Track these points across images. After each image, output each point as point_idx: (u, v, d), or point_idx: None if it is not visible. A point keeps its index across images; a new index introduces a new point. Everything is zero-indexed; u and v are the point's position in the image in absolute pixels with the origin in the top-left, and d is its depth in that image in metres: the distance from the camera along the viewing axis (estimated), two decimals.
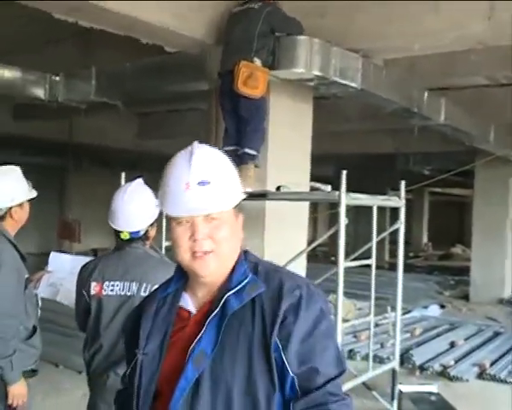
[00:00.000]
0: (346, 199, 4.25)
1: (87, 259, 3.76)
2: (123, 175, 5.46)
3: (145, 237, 3.35)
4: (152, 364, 1.72)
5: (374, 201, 4.71)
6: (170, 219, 1.71)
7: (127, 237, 3.30)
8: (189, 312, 1.74)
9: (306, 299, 1.64)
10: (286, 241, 6.34)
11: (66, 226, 14.61)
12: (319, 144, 7.07)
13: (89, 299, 3.28)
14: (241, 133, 5.35)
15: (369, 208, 5.38)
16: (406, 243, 5.38)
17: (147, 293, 3.13)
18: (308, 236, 6.97)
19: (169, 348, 1.72)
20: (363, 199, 4.62)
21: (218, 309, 1.65)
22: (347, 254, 4.91)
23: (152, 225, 3.38)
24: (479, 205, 13.62)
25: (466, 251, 20.48)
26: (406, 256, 5.29)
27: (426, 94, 7.21)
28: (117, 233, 3.33)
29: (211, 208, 1.66)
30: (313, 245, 4.81)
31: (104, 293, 3.26)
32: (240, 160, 5.29)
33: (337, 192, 4.28)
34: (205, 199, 1.65)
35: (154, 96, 7.88)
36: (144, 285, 3.21)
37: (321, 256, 18.13)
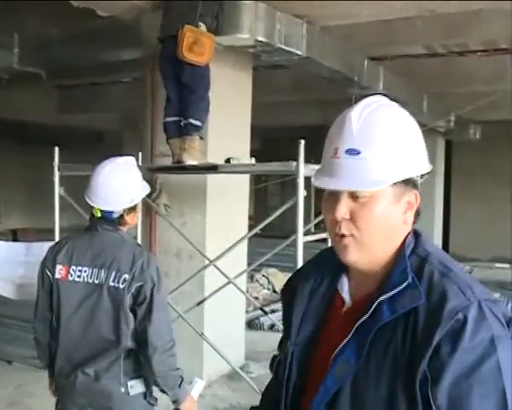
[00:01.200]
0: (305, 170, 4.04)
1: (21, 246, 3.40)
2: (56, 150, 5.08)
3: (120, 221, 2.98)
4: (302, 354, 1.52)
5: None
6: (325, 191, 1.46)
7: (98, 214, 2.95)
8: (344, 301, 1.50)
9: (472, 326, 1.29)
10: (228, 215, 6.15)
11: None
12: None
13: (53, 282, 2.94)
14: (184, 103, 5.04)
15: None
16: None
17: (116, 284, 2.85)
18: (257, 207, 6.79)
19: (321, 338, 1.51)
20: None
21: (367, 315, 1.38)
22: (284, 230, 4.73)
23: (130, 210, 3.00)
24: None
25: None
26: None
27: (366, 62, 7.12)
28: (91, 211, 3.01)
29: (354, 184, 1.37)
30: (265, 222, 4.55)
31: (70, 278, 2.92)
32: (183, 131, 5.02)
33: (294, 163, 4.07)
34: (349, 171, 1.36)
35: (83, 64, 7.41)
36: (113, 274, 2.86)
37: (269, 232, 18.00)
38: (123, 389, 2.88)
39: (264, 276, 10.93)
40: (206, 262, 5.39)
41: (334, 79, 7.04)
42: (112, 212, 2.95)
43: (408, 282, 1.36)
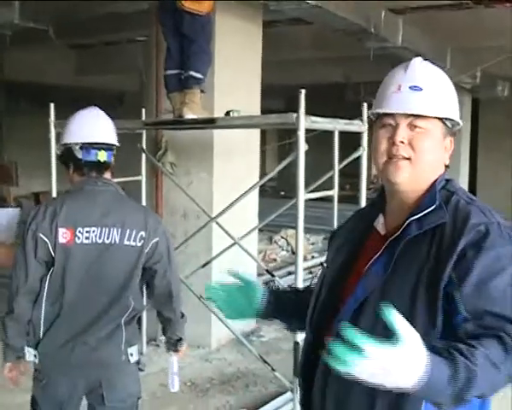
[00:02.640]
0: (306, 122, 3.78)
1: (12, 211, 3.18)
2: (52, 106, 4.87)
3: (111, 169, 2.89)
4: (334, 278, 1.74)
5: (335, 124, 4.25)
6: (375, 124, 1.69)
7: (104, 158, 2.80)
8: (379, 233, 1.71)
9: (494, 237, 1.51)
10: (236, 174, 5.93)
11: (0, 169, 13.73)
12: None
13: (53, 249, 2.68)
14: (185, 54, 4.79)
15: (319, 136, 4.97)
16: (355, 175, 4.96)
17: (133, 242, 2.73)
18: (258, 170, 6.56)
19: (355, 266, 1.70)
20: (323, 123, 4.16)
21: (398, 233, 1.60)
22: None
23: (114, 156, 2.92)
24: None
25: None
26: (355, 188, 5.02)
27: (383, 14, 6.76)
28: (79, 166, 2.79)
29: (415, 109, 1.60)
30: (267, 177, 4.34)
31: (78, 241, 2.69)
32: (184, 84, 4.78)
33: (295, 115, 3.80)
34: (411, 101, 1.61)
35: (88, 17, 7.17)
36: (128, 232, 2.73)
37: (270, 192, 17.90)
38: (124, 357, 2.79)
39: (282, 237, 10.73)
40: (214, 223, 5.19)
41: (351, 32, 6.70)
42: (111, 151, 2.85)
43: (435, 205, 1.59)
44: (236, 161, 5.96)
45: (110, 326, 2.74)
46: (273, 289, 2.02)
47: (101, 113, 2.93)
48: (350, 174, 6.08)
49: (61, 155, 2.91)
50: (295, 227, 4.03)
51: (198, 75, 4.74)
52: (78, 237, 2.69)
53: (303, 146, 3.78)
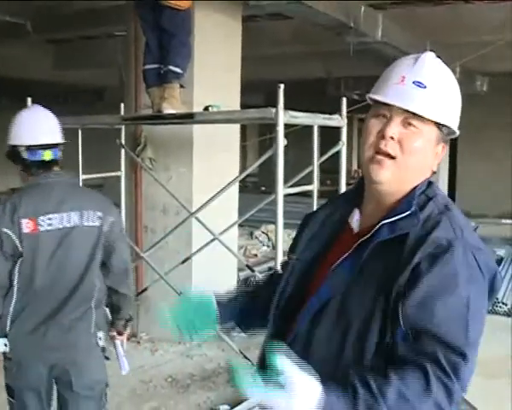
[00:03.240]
0: (285, 117, 3.77)
1: None
2: (29, 101, 4.81)
3: (58, 162, 2.97)
4: (302, 271, 1.68)
5: (314, 119, 4.25)
6: (369, 111, 1.61)
7: (50, 157, 2.90)
8: (352, 231, 1.64)
9: (453, 254, 1.42)
10: (216, 169, 5.90)
11: None
12: (247, 70, 6.59)
13: (19, 240, 2.76)
14: (164, 49, 4.76)
15: (300, 132, 4.96)
16: (336, 170, 4.97)
17: (92, 223, 2.89)
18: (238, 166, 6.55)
19: (325, 259, 1.64)
20: (302, 117, 4.15)
21: (369, 235, 1.52)
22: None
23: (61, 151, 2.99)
24: None
25: None
26: (336, 183, 5.02)
27: (363, 9, 6.77)
28: (27, 166, 2.90)
29: (413, 107, 1.52)
30: (246, 172, 4.33)
31: (41, 229, 2.80)
32: (163, 79, 4.75)
33: (274, 109, 3.79)
34: (413, 97, 1.53)
35: (66, 11, 7.09)
36: (87, 214, 2.89)
37: (251, 187, 17.86)
38: (93, 340, 2.93)
39: (263, 233, 10.73)
40: (194, 218, 5.17)
41: (330, 26, 6.70)
42: (57, 148, 2.93)
43: (411, 211, 1.51)
44: (216, 157, 5.93)
45: (81, 308, 2.88)
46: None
47: (45, 111, 3.01)
48: (331, 169, 6.09)
49: (8, 153, 2.96)
50: (275, 222, 4.03)
51: (177, 70, 4.71)
52: (41, 225, 2.80)
53: (282, 141, 3.78)
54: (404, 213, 1.51)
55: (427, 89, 1.53)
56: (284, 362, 1.28)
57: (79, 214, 2.87)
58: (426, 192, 1.57)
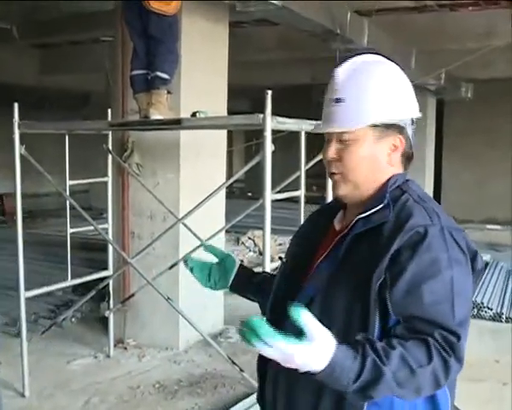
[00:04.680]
0: (272, 123, 3.78)
1: None
2: (16, 106, 4.79)
3: None
4: (292, 271, 1.75)
5: (301, 125, 4.26)
6: None
7: None
8: (335, 229, 1.72)
9: (431, 240, 1.47)
10: (203, 175, 5.91)
11: None
12: (234, 76, 6.61)
13: None
14: (151, 55, 4.76)
15: (288, 137, 4.96)
16: (323, 176, 4.97)
17: None
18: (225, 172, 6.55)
19: (312, 260, 1.70)
20: (289, 123, 4.17)
21: (345, 230, 1.60)
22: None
23: None
24: None
25: None
26: (322, 189, 5.04)
27: (349, 15, 6.81)
28: None
29: (334, 127, 1.60)
30: (233, 178, 4.34)
31: None
32: (150, 85, 4.75)
33: (261, 115, 3.80)
34: (333, 116, 1.60)
35: (52, 16, 7.07)
36: None
37: (238, 193, 17.87)
38: None
39: (250, 238, 10.73)
40: (181, 224, 5.16)
41: (317, 33, 6.73)
42: None
43: (383, 204, 1.56)
44: (203, 162, 5.94)
45: None
46: (246, 267, 2.05)
47: None
48: (318, 175, 6.10)
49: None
50: (262, 228, 4.04)
51: (164, 76, 4.72)
52: None
53: (269, 147, 3.79)
54: (376, 206, 1.57)
55: (346, 101, 1.58)
56: (306, 314, 1.34)
57: None
58: (400, 186, 1.63)
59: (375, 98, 1.58)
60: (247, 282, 2.00)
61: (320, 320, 1.47)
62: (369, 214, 1.56)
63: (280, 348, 1.32)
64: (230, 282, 2.00)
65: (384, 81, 1.61)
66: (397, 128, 1.61)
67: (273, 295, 1.78)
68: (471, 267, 1.56)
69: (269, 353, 1.33)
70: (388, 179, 1.62)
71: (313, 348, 1.33)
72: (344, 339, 1.40)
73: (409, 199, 1.58)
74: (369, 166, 1.61)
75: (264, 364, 1.71)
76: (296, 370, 1.37)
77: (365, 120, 1.57)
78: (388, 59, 1.69)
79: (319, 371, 1.35)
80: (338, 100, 1.59)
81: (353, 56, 1.66)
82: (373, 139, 1.59)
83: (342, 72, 1.61)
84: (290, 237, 1.94)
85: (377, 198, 1.59)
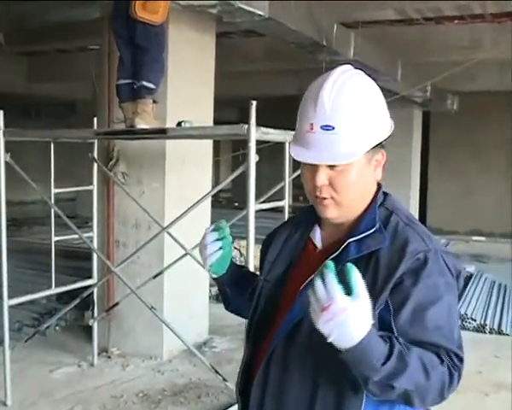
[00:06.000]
0: (257, 134, 3.81)
1: None
2: (1, 114, 4.78)
3: None
4: (271, 290, 1.70)
5: (286, 136, 4.29)
6: None
7: None
8: (315, 247, 1.68)
9: (431, 266, 1.49)
10: (188, 185, 5.92)
11: None
12: (221, 86, 6.63)
13: None
14: (137, 64, 4.77)
15: (274, 148, 4.98)
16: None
17: None
18: (211, 181, 6.56)
19: (291, 278, 1.68)
20: (274, 134, 4.19)
21: (337, 253, 1.54)
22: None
23: None
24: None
25: None
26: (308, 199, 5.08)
27: (335, 27, 6.86)
28: None
29: (329, 159, 1.53)
30: (218, 187, 4.36)
31: None
32: (136, 94, 4.76)
33: (246, 126, 3.82)
34: (325, 146, 1.52)
35: (39, 24, 7.08)
36: None
37: (224, 203, 17.90)
38: None
39: (235, 248, 10.71)
40: (166, 233, 5.16)
41: (303, 45, 6.78)
42: None
43: (375, 228, 1.55)
44: (189, 172, 5.95)
45: None
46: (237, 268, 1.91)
47: None
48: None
49: None
50: (246, 238, 4.05)
51: (150, 85, 4.73)
52: None
53: (253, 157, 3.81)
54: (369, 230, 1.55)
55: (336, 129, 1.50)
56: (358, 274, 1.33)
57: None
58: (385, 205, 1.62)
59: (367, 125, 1.54)
60: (239, 273, 1.91)
61: (310, 346, 1.49)
62: (362, 238, 1.54)
63: (336, 296, 1.31)
64: (227, 268, 1.84)
65: (370, 102, 1.57)
66: (379, 146, 1.60)
67: (251, 318, 1.74)
68: None
69: (322, 297, 1.33)
70: (374, 197, 1.62)
71: (360, 308, 1.32)
72: (335, 362, 1.38)
73: (399, 222, 1.58)
74: (361, 187, 1.59)
75: (248, 382, 1.67)
76: (284, 389, 1.42)
77: (360, 150, 1.53)
78: (371, 70, 1.64)
79: (355, 344, 1.33)
80: (328, 127, 1.50)
81: (329, 72, 1.57)
82: (365, 162, 1.56)
83: (328, 95, 1.51)
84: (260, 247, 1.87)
85: (368, 220, 1.58)
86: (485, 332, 7.08)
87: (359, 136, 1.52)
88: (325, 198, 1.57)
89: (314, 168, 1.55)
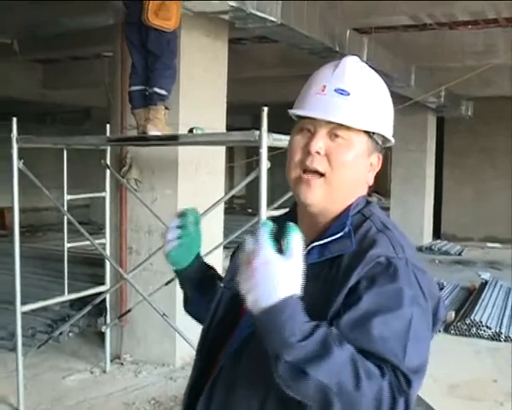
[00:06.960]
0: (268, 140, 3.79)
1: None
2: (14, 120, 4.81)
3: None
4: (231, 299, 1.49)
5: None
6: (293, 128, 1.48)
7: None
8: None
9: (394, 272, 1.30)
10: (201, 191, 5.91)
11: None
12: (234, 92, 6.63)
13: None
14: (149, 71, 4.78)
15: (284, 153, 4.96)
16: None
17: None
18: (225, 188, 6.55)
19: None
20: (286, 140, 4.16)
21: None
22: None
23: None
24: (397, 152, 13.49)
25: (382, 200, 20.57)
26: None
27: (348, 32, 6.84)
28: None
29: (337, 117, 1.39)
30: (230, 193, 4.35)
31: None
32: (148, 101, 4.77)
33: (257, 132, 3.81)
34: (336, 107, 1.40)
35: (52, 31, 7.12)
36: None
37: (238, 209, 17.90)
38: None
39: None
40: None
41: (316, 51, 6.76)
42: None
43: (343, 233, 1.39)
44: (201, 178, 5.95)
45: None
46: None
47: None
48: None
49: None
50: None
51: (162, 92, 4.73)
52: None
53: (265, 163, 3.79)
54: (336, 234, 1.40)
55: (351, 96, 1.40)
56: (299, 236, 1.21)
57: None
58: (362, 211, 1.46)
59: (383, 106, 1.47)
60: (204, 272, 1.78)
61: (258, 366, 1.31)
62: (326, 243, 1.39)
63: (266, 249, 1.19)
64: (190, 262, 1.73)
65: (384, 94, 1.49)
66: (379, 146, 1.48)
67: (208, 326, 1.57)
68: (433, 314, 1.38)
69: (252, 250, 1.20)
70: (351, 204, 1.45)
71: (287, 267, 1.19)
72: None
73: (371, 227, 1.41)
74: (355, 176, 1.44)
75: (197, 395, 1.48)
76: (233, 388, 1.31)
77: (372, 124, 1.42)
78: (385, 76, 1.59)
79: (271, 304, 1.17)
80: (344, 92, 1.40)
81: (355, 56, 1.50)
82: (366, 149, 1.44)
83: (350, 64, 1.44)
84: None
85: (338, 224, 1.42)
86: (500, 340, 6.99)
87: (372, 112, 1.43)
88: (314, 174, 1.41)
89: (310, 136, 1.42)
